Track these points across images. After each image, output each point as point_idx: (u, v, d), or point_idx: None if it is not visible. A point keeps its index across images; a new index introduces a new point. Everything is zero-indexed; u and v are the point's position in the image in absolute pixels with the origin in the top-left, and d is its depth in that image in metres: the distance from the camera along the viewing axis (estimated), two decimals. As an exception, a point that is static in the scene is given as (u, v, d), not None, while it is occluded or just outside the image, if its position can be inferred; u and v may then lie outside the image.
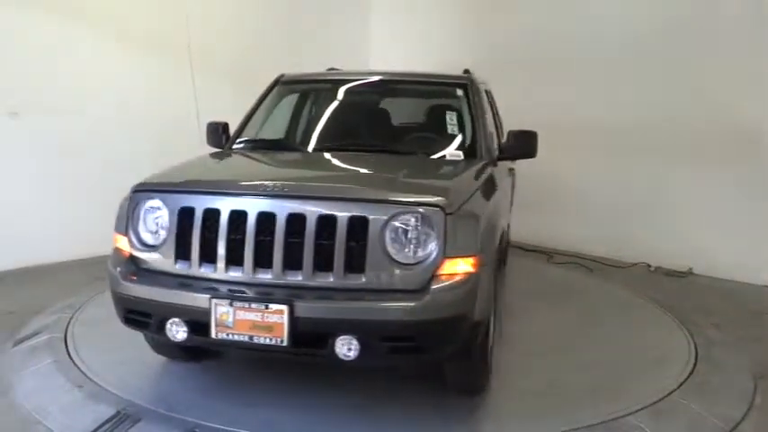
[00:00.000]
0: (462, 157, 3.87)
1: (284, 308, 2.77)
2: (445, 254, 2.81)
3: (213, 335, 2.87)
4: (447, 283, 2.81)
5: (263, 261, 2.90)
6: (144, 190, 3.19)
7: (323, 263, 2.85)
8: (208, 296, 2.87)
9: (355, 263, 2.84)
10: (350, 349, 2.77)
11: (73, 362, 3.82)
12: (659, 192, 6.46)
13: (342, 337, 2.76)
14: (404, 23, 8.41)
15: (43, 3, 5.75)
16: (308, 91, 4.89)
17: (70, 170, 5.90)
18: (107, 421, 3.14)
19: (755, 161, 5.88)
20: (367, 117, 4.64)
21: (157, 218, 3.14)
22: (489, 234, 3.18)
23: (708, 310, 5.16)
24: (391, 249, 2.84)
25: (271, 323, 2.79)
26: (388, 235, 2.84)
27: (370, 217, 2.83)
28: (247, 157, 4.09)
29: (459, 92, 4.36)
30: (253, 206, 2.92)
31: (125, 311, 3.17)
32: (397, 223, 2.85)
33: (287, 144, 4.43)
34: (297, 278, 2.87)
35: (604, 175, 6.74)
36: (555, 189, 6.50)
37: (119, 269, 3.16)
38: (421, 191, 3.00)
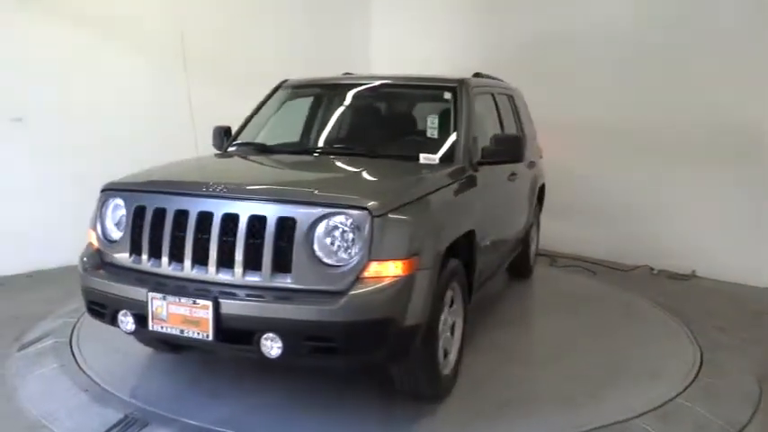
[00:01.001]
0: (437, 161, 3.83)
1: (209, 304, 2.86)
2: (370, 256, 2.83)
3: (150, 326, 3.02)
4: (371, 286, 2.82)
5: (201, 258, 3.01)
6: (109, 189, 3.40)
7: (253, 262, 2.92)
8: (145, 290, 3.01)
9: (283, 263, 2.89)
10: (273, 348, 2.82)
11: (79, 366, 3.83)
12: (661, 194, 6.47)
13: (266, 335, 2.82)
14: (406, 26, 8.39)
15: (40, 8, 5.77)
16: (304, 96, 4.95)
17: (72, 175, 5.89)
18: (115, 425, 3.15)
19: (757, 162, 5.88)
20: (351, 121, 4.68)
21: (120, 215, 3.34)
22: (435, 238, 3.13)
23: (711, 313, 5.16)
24: (318, 250, 2.88)
25: (198, 318, 2.89)
26: (314, 236, 2.88)
27: (298, 218, 2.89)
28: (229, 158, 4.23)
29: (448, 95, 4.27)
30: (194, 206, 3.05)
31: (88, 302, 3.35)
32: (323, 225, 2.89)
33: (271, 147, 4.43)
34: (228, 276, 2.95)
35: (606, 177, 6.74)
36: (556, 191, 6.49)
37: (85, 261, 3.38)
38: (351, 193, 3.02)
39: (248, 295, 2.89)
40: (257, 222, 2.92)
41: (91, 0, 6.10)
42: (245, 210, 2.95)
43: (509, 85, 5.65)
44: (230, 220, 2.97)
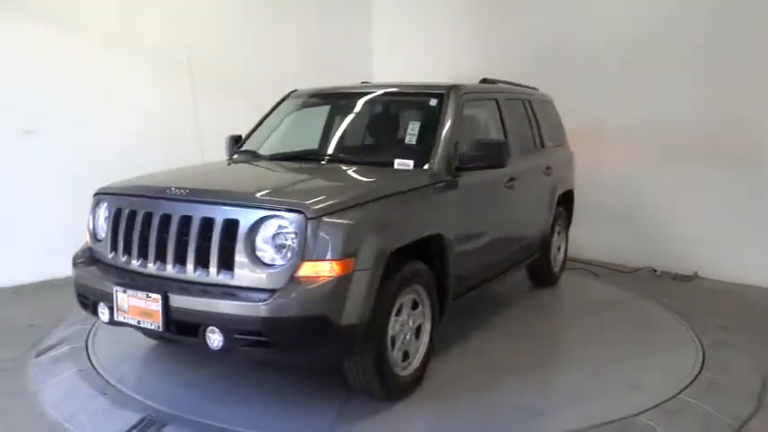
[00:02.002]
0: (411, 167, 3.90)
1: (159, 298, 3.12)
2: (304, 257, 2.99)
3: (115, 317, 3.33)
4: (303, 285, 2.98)
5: (161, 256, 3.28)
6: (99, 193, 3.76)
7: (203, 260, 3.16)
8: (112, 283, 3.31)
9: (228, 262, 3.10)
10: (216, 340, 3.04)
11: (96, 370, 3.93)
12: (663, 196, 6.55)
13: (210, 328, 3.04)
14: (408, 33, 8.50)
15: (51, 23, 5.91)
16: (308, 105, 5.07)
17: (84, 185, 5.98)
18: (134, 426, 3.25)
19: (759, 163, 5.97)
20: (339, 129, 4.83)
21: (105, 216, 3.65)
22: (378, 241, 3.21)
23: (714, 313, 5.24)
24: (257, 251, 3.08)
25: (151, 310, 3.17)
26: (255, 237, 3.08)
27: (241, 220, 3.10)
28: (221, 165, 4.45)
29: (434, 102, 4.31)
30: (158, 208, 3.34)
31: (77, 294, 3.68)
32: (263, 226, 3.08)
33: (265, 155, 4.60)
34: (182, 273, 3.21)
35: (607, 180, 6.82)
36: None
37: (76, 258, 3.77)
38: (292, 197, 3.21)
39: (195, 291, 3.13)
40: (207, 223, 3.16)
41: (99, 16, 6.23)
42: (197, 212, 3.21)
43: (527, 90, 5.68)
44: (186, 222, 3.22)
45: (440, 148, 3.99)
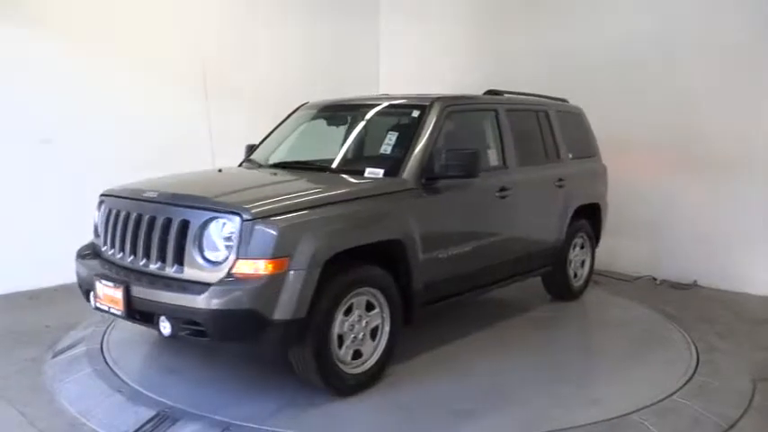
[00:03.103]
0: (381, 175, 4.07)
1: (122, 287, 3.55)
2: (239, 255, 3.30)
3: (93, 303, 3.82)
4: (237, 280, 3.30)
5: (134, 250, 3.71)
6: (103, 195, 4.21)
7: (163, 255, 3.56)
8: (93, 273, 3.79)
9: (181, 257, 3.48)
10: (166, 328, 3.41)
11: (111, 369, 4.09)
12: (663, 205, 6.66)
13: (161, 317, 3.42)
14: (415, 44, 8.68)
15: (63, 34, 6.13)
16: (310, 117, 5.29)
17: (99, 193, 6.18)
18: (148, 421, 3.41)
19: (757, 174, 6.10)
20: (329, 139, 5.05)
21: (103, 215, 4.09)
22: (317, 243, 3.42)
23: (711, 320, 5.36)
24: (204, 248, 3.43)
25: (116, 298, 3.60)
26: (202, 236, 3.44)
27: (192, 220, 3.47)
28: (213, 172, 4.72)
29: (416, 113, 4.45)
30: (134, 209, 3.77)
31: (78, 282, 4.11)
32: (208, 227, 3.44)
33: (262, 162, 4.92)
34: (146, 266, 3.63)
35: (609, 188, 6.94)
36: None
37: (78, 251, 4.25)
38: (236, 201, 3.50)
39: (152, 283, 3.53)
40: (167, 223, 3.55)
41: (118, 31, 6.45)
42: (161, 213, 3.60)
43: (544, 101, 5.68)
44: (152, 221, 3.63)
45: (411, 158, 4.16)
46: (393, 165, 4.15)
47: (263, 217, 3.34)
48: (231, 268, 3.32)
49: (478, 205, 4.64)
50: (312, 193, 3.74)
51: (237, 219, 3.32)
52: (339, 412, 3.58)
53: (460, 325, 5.01)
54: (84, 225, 4.47)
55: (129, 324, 4.58)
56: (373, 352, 3.87)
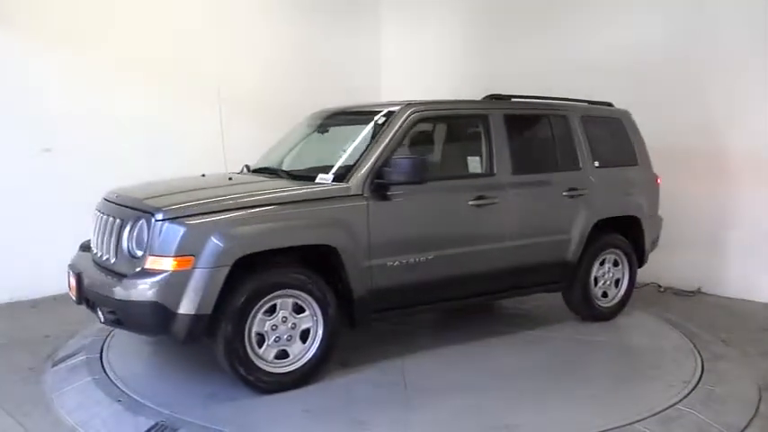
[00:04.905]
0: (330, 181, 4.16)
1: (76, 276, 3.99)
2: (150, 252, 3.59)
3: (68, 290, 4.21)
4: (146, 274, 3.57)
5: (99, 246, 4.08)
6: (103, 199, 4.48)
7: (108, 250, 3.92)
8: (69, 263, 4.29)
9: (117, 252, 3.84)
10: (100, 315, 3.79)
11: (110, 379, 4.06)
12: (666, 213, 6.63)
13: (97, 305, 3.81)
14: (417, 49, 8.70)
15: (83, 50, 6.24)
16: (304, 124, 5.33)
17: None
18: (147, 431, 3.37)
19: (760, 181, 6.07)
20: (302, 146, 5.12)
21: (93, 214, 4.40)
22: (225, 244, 3.60)
23: (715, 327, 5.31)
24: (132, 244, 3.74)
25: (73, 285, 4.05)
26: (132, 233, 3.74)
27: (126, 219, 3.84)
28: (189, 179, 4.77)
29: (381, 120, 4.45)
30: (103, 209, 4.17)
31: None
32: (133, 225, 3.75)
33: (250, 170, 5.06)
34: (101, 259, 3.99)
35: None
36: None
37: (83, 245, 4.55)
38: (156, 203, 3.77)
39: (96, 273, 3.92)
40: (114, 221, 3.92)
41: (138, 51, 6.56)
42: (115, 212, 4.00)
43: (558, 105, 5.31)
44: (107, 220, 4.02)
45: (359, 165, 4.19)
46: (345, 171, 4.22)
47: (172, 218, 3.60)
48: (145, 263, 3.59)
49: (443, 213, 4.47)
50: (239, 197, 3.90)
51: (152, 219, 3.63)
52: (248, 410, 3.68)
53: (444, 333, 4.99)
54: (85, 233, 4.48)
55: (128, 334, 4.63)
56: (303, 354, 3.92)
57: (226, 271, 3.58)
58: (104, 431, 3.46)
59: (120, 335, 4.76)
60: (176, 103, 6.86)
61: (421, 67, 8.57)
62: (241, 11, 7.45)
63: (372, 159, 4.19)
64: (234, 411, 3.63)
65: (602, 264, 5.32)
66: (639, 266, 5.62)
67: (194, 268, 3.54)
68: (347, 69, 8.44)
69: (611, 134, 5.50)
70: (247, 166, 5.12)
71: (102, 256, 4.01)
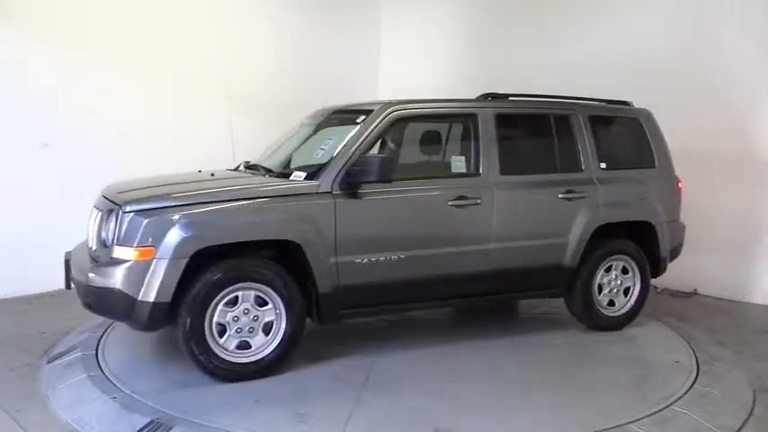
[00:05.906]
0: (302, 179, 4.23)
1: (65, 263, 4.36)
2: (116, 241, 3.81)
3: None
4: (112, 263, 3.79)
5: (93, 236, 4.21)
6: None
7: (99, 240, 4.06)
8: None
9: (99, 242, 4.04)
10: (80, 298, 4.02)
11: (105, 376, 4.05)
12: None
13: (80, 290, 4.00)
14: (416, 48, 8.69)
15: (95, 53, 6.28)
16: (301, 123, 5.33)
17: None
18: (142, 429, 3.37)
19: (757, 182, 6.10)
20: (290, 144, 5.14)
21: None
22: (186, 236, 3.75)
23: (711, 329, 5.34)
24: (107, 235, 3.93)
25: (64, 272, 4.37)
26: (109, 224, 3.92)
27: (105, 212, 4.03)
28: (199, 174, 4.81)
29: (360, 119, 4.47)
30: (99, 204, 4.26)
31: None
32: (108, 217, 3.95)
33: (247, 166, 5.04)
34: (92, 250, 4.13)
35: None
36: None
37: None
38: (126, 196, 3.98)
39: (82, 261, 4.10)
40: (103, 213, 4.06)
41: (147, 54, 6.58)
42: (102, 205, 4.17)
43: (561, 104, 5.12)
44: (100, 213, 4.15)
45: (330, 163, 4.24)
46: (317, 169, 4.27)
47: (137, 210, 3.80)
48: (112, 252, 3.80)
49: (417, 213, 4.41)
50: (207, 192, 4.06)
51: (120, 211, 3.83)
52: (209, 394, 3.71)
53: (443, 331, 5.02)
54: (82, 231, 4.47)
55: (124, 330, 4.64)
56: (265, 346, 4.01)
57: (184, 262, 3.74)
58: (99, 428, 3.45)
59: (117, 332, 4.76)
60: (176, 103, 6.85)
61: (422, 68, 8.55)
62: (241, 11, 7.44)
63: (344, 158, 4.23)
64: (234, 408, 3.62)
65: (608, 270, 5.07)
66: (656, 276, 5.28)
67: (155, 258, 3.72)
68: (348, 70, 8.45)
69: (626, 135, 5.29)
70: (246, 163, 5.14)
71: (91, 246, 4.18)
